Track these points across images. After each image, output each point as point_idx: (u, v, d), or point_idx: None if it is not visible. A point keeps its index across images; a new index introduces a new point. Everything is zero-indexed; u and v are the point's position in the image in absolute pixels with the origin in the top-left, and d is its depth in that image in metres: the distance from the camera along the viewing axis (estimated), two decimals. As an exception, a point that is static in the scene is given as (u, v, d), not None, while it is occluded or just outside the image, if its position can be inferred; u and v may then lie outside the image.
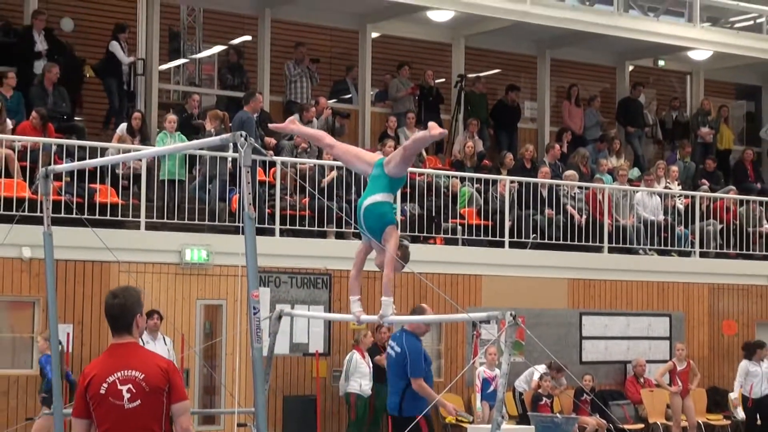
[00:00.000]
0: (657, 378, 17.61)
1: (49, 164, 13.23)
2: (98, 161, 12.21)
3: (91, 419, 6.11)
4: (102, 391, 6.04)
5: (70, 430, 6.57)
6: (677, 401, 17.35)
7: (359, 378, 15.35)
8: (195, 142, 11.52)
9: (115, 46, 17.33)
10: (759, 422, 17.32)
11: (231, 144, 7.19)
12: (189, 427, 6.13)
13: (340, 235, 16.41)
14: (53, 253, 8.94)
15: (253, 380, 7.12)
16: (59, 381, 8.95)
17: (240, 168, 6.95)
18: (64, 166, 13.08)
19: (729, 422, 18.47)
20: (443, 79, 20.92)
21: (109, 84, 17.39)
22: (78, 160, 14.16)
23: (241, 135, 6.93)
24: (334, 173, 16.48)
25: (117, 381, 6.05)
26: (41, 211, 9.19)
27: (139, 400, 6.02)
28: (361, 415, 15.40)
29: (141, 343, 6.39)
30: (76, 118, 17.12)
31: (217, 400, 15.32)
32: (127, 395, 6.02)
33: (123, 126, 16.25)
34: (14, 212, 13.24)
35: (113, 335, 6.22)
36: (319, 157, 16.99)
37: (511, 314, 7.30)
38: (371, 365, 15.43)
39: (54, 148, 14.79)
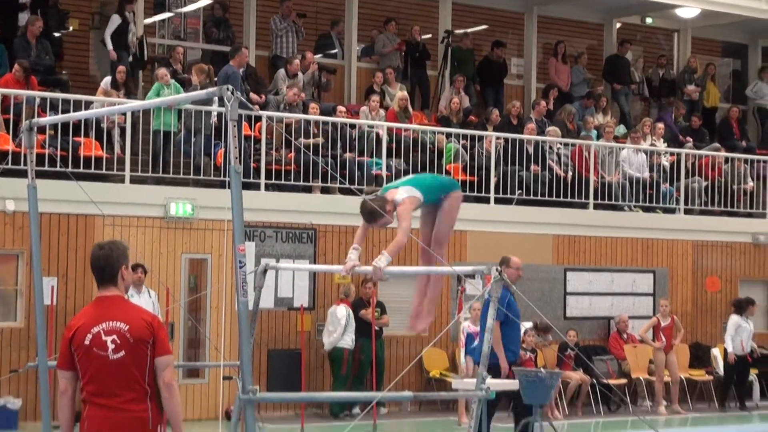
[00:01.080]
0: (641, 334, 17.70)
1: (33, 117, 13.14)
2: (82, 114, 12.12)
3: (75, 371, 6.11)
4: (86, 342, 6.05)
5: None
6: (660, 357, 17.44)
7: (351, 332, 15.47)
8: (181, 96, 11.47)
9: (113, 23, 17.03)
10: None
11: (216, 98, 7.14)
12: (172, 381, 6.12)
13: (325, 190, 16.40)
14: (37, 206, 8.91)
15: (239, 334, 7.13)
16: (44, 334, 8.93)
17: (226, 122, 6.91)
18: (48, 119, 12.99)
19: (711, 377, 18.59)
20: (430, 35, 20.81)
21: (119, 54, 17.07)
22: (62, 113, 14.07)
23: (228, 89, 6.89)
24: (320, 139, 16.38)
25: (102, 332, 6.05)
26: (25, 164, 9.13)
27: (123, 351, 6.02)
28: (348, 370, 15.50)
29: (126, 297, 6.37)
30: (64, 72, 16.99)
31: (202, 354, 15.36)
32: (111, 346, 6.02)
33: (107, 79, 16.13)
34: (-2, 165, 13.17)
35: (99, 287, 6.21)
36: (305, 112, 16.92)
37: (496, 269, 7.32)
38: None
39: (38, 100, 14.69)
